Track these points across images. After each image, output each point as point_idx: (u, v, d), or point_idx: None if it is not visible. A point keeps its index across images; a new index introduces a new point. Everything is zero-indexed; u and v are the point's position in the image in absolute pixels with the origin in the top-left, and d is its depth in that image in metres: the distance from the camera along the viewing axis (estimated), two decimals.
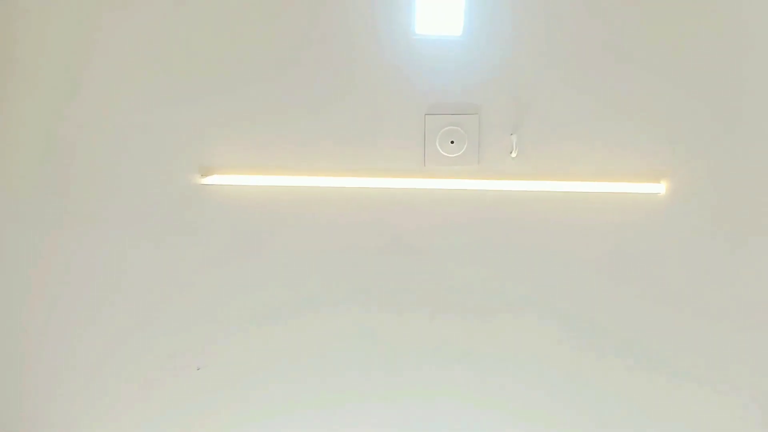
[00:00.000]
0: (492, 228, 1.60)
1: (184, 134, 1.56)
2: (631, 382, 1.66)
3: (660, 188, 1.57)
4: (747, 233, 1.60)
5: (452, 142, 1.57)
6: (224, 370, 1.67)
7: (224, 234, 1.60)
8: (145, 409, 1.68)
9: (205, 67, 1.54)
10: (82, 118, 1.56)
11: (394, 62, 1.54)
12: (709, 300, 1.62)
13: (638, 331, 1.64)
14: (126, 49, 1.54)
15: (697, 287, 1.62)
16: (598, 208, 1.59)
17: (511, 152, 1.56)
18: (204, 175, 1.55)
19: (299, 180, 1.56)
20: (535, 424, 1.68)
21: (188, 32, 1.53)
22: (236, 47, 1.54)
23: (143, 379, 1.67)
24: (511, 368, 1.66)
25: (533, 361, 1.66)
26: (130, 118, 1.56)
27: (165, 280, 1.62)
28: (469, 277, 1.63)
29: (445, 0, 1.47)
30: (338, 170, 1.57)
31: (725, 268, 1.61)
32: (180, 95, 1.55)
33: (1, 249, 1.61)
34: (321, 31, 1.53)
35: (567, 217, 1.59)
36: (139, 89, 1.55)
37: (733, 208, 1.59)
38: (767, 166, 1.57)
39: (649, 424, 1.67)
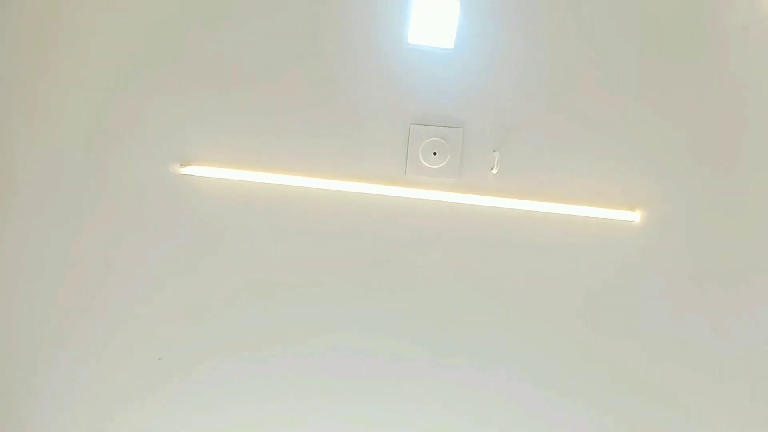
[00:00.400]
0: (466, 242, 1.61)
1: (168, 124, 1.54)
2: (600, 395, 1.70)
3: (635, 217, 1.59)
4: (717, 269, 1.63)
5: (435, 154, 1.57)
6: (193, 358, 1.67)
7: (199, 226, 1.59)
8: (126, 397, 1.69)
9: (197, 60, 1.52)
10: (67, 106, 1.54)
11: (385, 68, 1.54)
12: (670, 329, 1.66)
13: (606, 353, 1.67)
14: (116, 40, 1.52)
15: (663, 314, 1.65)
16: (573, 230, 1.61)
17: (492, 169, 1.57)
18: (184, 165, 1.54)
19: (277, 178, 1.55)
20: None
21: (182, 26, 1.52)
22: (229, 44, 1.52)
23: (123, 368, 1.67)
24: (473, 379, 1.69)
25: (498, 373, 1.69)
26: (115, 104, 1.54)
27: (142, 266, 1.61)
28: (439, 288, 1.64)
29: (440, 12, 1.47)
30: (318, 172, 1.57)
31: (691, 296, 1.64)
32: (168, 87, 1.53)
33: None
34: (314, 32, 1.52)
35: (542, 236, 1.61)
36: (125, 78, 1.53)
37: (705, 242, 1.61)
38: (743, 204, 1.60)
39: None
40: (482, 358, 1.67)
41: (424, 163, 1.58)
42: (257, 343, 1.66)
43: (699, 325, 1.65)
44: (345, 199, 1.58)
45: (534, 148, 1.57)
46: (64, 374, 1.67)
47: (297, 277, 1.63)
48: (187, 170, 1.54)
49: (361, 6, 1.51)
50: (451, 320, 1.66)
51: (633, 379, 1.68)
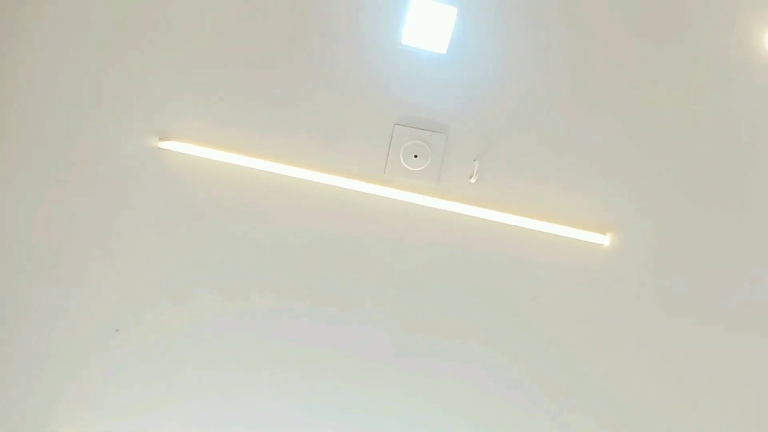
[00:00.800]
0: (436, 246, 1.62)
1: (151, 97, 1.51)
2: (554, 409, 1.75)
3: (604, 240, 1.62)
4: (683, 298, 1.67)
5: (416, 156, 1.57)
6: (156, 332, 1.67)
7: (173, 200, 1.58)
8: (81, 365, 1.69)
9: (186, 39, 1.49)
10: (47, 76, 1.50)
11: (375, 66, 1.53)
12: (633, 352, 1.70)
13: (566, 369, 1.72)
14: (99, 10, 1.47)
15: (624, 334, 1.69)
16: (543, 247, 1.63)
17: (470, 177, 1.58)
18: (162, 139, 1.53)
19: (254, 162, 1.54)
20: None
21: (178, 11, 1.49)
22: (222, 28, 1.49)
23: (87, 343, 1.66)
24: (434, 384, 1.72)
25: (461, 384, 1.73)
26: (97, 72, 1.50)
27: (112, 236, 1.60)
28: (404, 285, 1.66)
29: (436, 16, 1.47)
30: (297, 161, 1.56)
31: (654, 320, 1.68)
32: (154, 60, 1.50)
33: None
34: (307, 24, 1.50)
35: (511, 249, 1.63)
36: (109, 48, 1.49)
37: (672, 271, 1.65)
38: (713, 239, 1.64)
39: None
40: (443, 355, 1.71)
41: (404, 165, 1.58)
42: (225, 322, 1.67)
43: (665, 350, 1.69)
44: (320, 190, 1.57)
45: (514, 162, 1.58)
46: (21, 341, 1.65)
47: (267, 260, 1.63)
48: (165, 145, 1.53)
49: (358, 2, 1.49)
50: (413, 318, 1.68)
51: (595, 394, 1.73)
